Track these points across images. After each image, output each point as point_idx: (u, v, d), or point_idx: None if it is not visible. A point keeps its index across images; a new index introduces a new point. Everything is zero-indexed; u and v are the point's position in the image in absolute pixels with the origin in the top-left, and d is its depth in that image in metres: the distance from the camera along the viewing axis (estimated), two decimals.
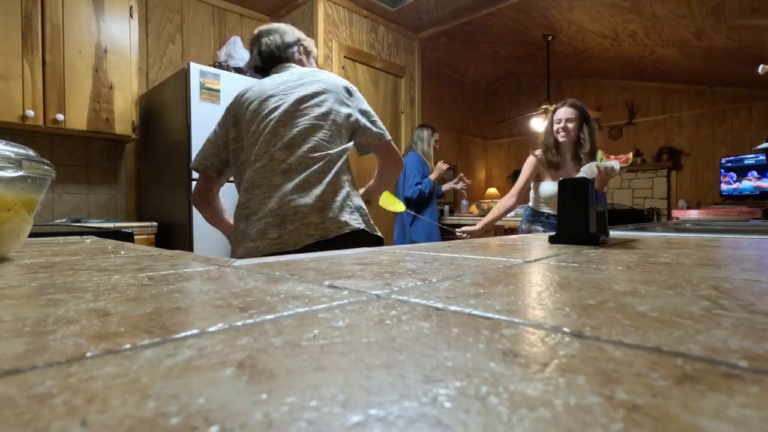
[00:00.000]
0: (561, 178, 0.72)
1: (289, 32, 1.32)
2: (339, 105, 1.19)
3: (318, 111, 1.15)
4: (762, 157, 3.81)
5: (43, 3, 2.10)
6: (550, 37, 3.97)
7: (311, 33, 2.93)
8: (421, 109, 3.68)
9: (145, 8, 2.74)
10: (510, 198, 2.03)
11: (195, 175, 1.33)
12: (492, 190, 5.43)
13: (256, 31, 1.33)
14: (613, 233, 0.95)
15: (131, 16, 2.37)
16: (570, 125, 1.89)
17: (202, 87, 2.14)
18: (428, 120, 4.67)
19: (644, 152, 4.86)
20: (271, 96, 1.17)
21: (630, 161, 1.57)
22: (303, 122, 1.13)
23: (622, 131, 5.06)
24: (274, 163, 1.11)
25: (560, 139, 1.91)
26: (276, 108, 1.15)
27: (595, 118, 4.95)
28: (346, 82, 1.26)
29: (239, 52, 2.60)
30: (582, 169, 1.73)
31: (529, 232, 2.01)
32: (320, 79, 1.21)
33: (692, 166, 4.62)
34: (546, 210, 2.00)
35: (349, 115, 1.21)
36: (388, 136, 1.28)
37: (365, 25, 3.20)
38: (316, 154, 1.12)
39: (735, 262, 0.46)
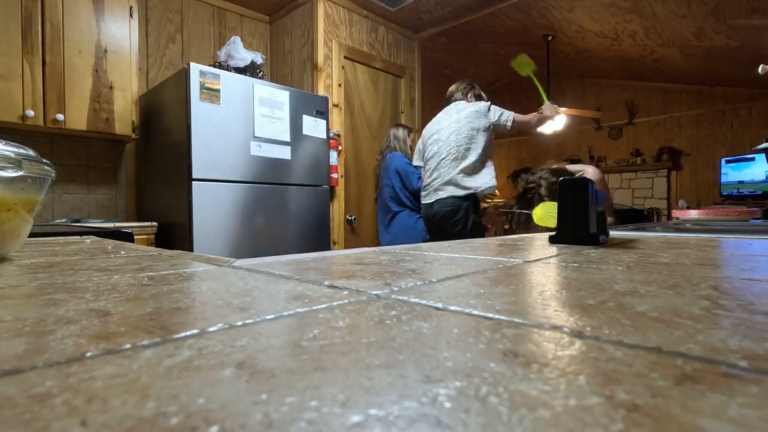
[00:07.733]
0: (561, 179, 0.72)
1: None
2: None
3: None
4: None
5: (43, 3, 2.09)
6: (550, 37, 3.97)
7: (311, 33, 2.93)
8: (421, 109, 3.67)
9: (145, 8, 2.73)
10: None
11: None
12: None
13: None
14: (613, 233, 0.95)
15: (131, 16, 2.37)
16: None
17: (202, 87, 2.14)
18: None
19: (644, 152, 4.86)
20: None
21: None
22: None
23: (622, 131, 5.06)
24: None
25: None
26: None
27: (596, 118, 4.96)
28: None
29: (239, 52, 2.59)
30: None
31: None
32: None
33: (692, 166, 4.62)
34: None
35: None
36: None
37: (365, 25, 3.20)
38: None
39: (735, 262, 0.46)
